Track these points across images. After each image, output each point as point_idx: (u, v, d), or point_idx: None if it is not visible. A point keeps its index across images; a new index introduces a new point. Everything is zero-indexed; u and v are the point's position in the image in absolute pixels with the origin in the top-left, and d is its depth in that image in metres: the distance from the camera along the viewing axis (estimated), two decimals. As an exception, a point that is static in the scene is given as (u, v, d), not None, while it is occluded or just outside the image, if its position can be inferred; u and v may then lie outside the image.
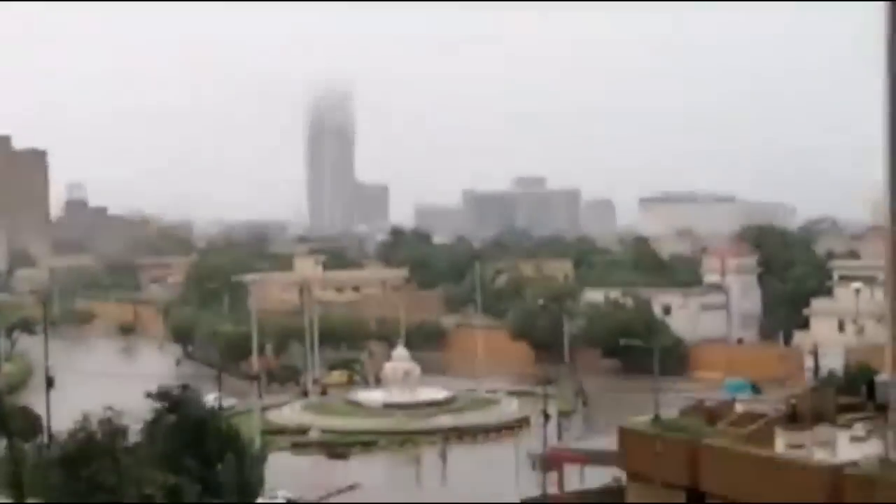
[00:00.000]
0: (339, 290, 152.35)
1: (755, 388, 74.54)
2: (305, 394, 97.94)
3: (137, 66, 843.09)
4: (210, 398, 77.46)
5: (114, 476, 45.36)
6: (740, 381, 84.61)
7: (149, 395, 52.39)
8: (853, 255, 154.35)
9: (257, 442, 64.36)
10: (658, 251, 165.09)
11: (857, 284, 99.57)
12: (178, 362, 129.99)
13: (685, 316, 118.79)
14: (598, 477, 53.98)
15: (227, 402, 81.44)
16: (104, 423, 47.71)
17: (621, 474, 47.64)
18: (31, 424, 70.28)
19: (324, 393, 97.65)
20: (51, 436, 61.93)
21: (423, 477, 68.85)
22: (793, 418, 41.67)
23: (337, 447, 72.20)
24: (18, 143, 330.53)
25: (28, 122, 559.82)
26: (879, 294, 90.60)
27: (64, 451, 46.93)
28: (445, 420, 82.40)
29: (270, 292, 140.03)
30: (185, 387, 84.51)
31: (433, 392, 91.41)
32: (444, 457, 70.64)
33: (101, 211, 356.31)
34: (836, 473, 34.87)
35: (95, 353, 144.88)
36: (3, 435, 59.27)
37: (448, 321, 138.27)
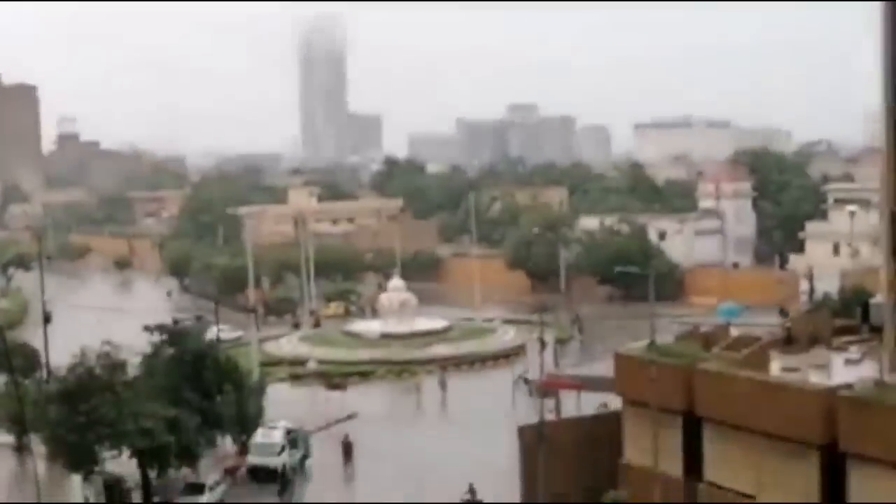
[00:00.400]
0: (334, 221, 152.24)
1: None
2: (297, 325, 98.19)
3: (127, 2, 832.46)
4: (214, 330, 78.25)
5: (113, 410, 45.72)
6: (733, 305, 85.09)
7: (147, 328, 52.54)
8: (848, 178, 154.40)
9: (255, 374, 64.78)
10: (653, 177, 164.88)
11: (851, 207, 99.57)
12: (169, 294, 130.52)
13: (680, 241, 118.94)
14: (595, 403, 54.40)
15: (234, 333, 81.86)
16: (102, 358, 48.00)
17: (612, 401, 48.07)
18: (29, 360, 70.56)
19: (317, 325, 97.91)
20: (49, 371, 62.25)
21: (423, 404, 69.43)
22: (788, 341, 41.87)
23: (335, 377, 72.58)
24: (8, 79, 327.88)
25: (17, 59, 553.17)
26: (874, 217, 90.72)
27: (63, 386, 47.25)
28: (442, 349, 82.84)
29: (265, 225, 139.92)
30: (199, 318, 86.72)
31: (430, 322, 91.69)
32: (443, 385, 71.13)
33: (94, 145, 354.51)
34: (831, 396, 35.07)
35: (92, 287, 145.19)
36: (4, 371, 59.45)
37: (444, 251, 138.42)
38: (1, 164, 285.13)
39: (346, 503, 51.23)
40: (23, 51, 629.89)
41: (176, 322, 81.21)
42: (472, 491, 46.24)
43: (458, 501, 46.07)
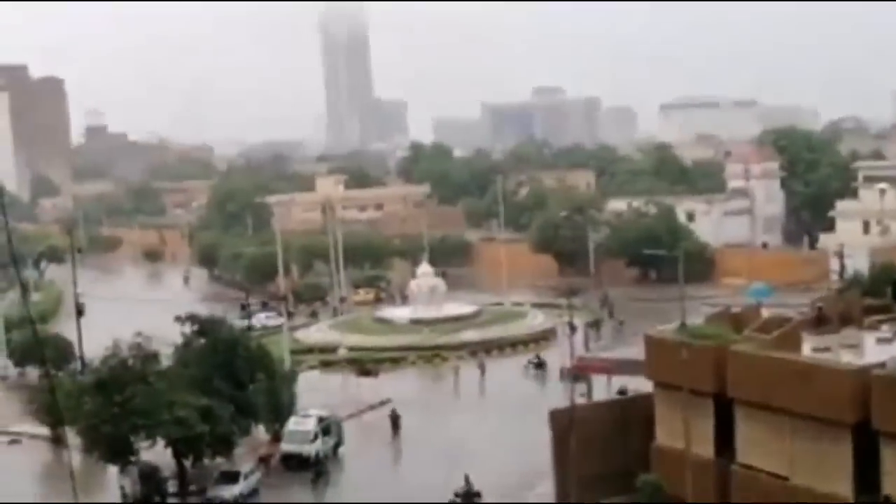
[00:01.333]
0: (361, 208, 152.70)
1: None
2: (314, 314, 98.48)
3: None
4: (262, 316, 79.13)
5: (147, 400, 46.22)
6: (762, 285, 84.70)
7: (178, 318, 52.98)
8: (878, 155, 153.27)
9: (287, 361, 65.20)
10: (680, 158, 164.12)
11: (882, 185, 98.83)
12: (186, 280, 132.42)
13: (709, 222, 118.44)
14: (627, 386, 54.43)
15: (278, 320, 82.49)
16: (135, 349, 48.50)
17: (633, 385, 47.96)
18: (63, 352, 71.40)
19: (338, 312, 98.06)
20: (83, 363, 62.94)
21: (454, 389, 69.65)
22: (819, 322, 41.75)
23: (366, 364, 72.89)
24: (37, 72, 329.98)
25: (46, 52, 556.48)
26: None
27: (98, 378, 47.79)
28: (472, 334, 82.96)
29: (293, 213, 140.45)
30: (265, 304, 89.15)
31: (459, 307, 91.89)
32: (482, 368, 71.64)
33: (121, 137, 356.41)
34: (864, 375, 34.99)
35: (123, 279, 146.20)
36: (38, 363, 60.12)
37: (471, 236, 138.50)
38: (30, 158, 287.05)
39: None
40: (49, 44, 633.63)
41: (244, 307, 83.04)
42: (467, 482, 46.20)
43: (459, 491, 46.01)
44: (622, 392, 53.01)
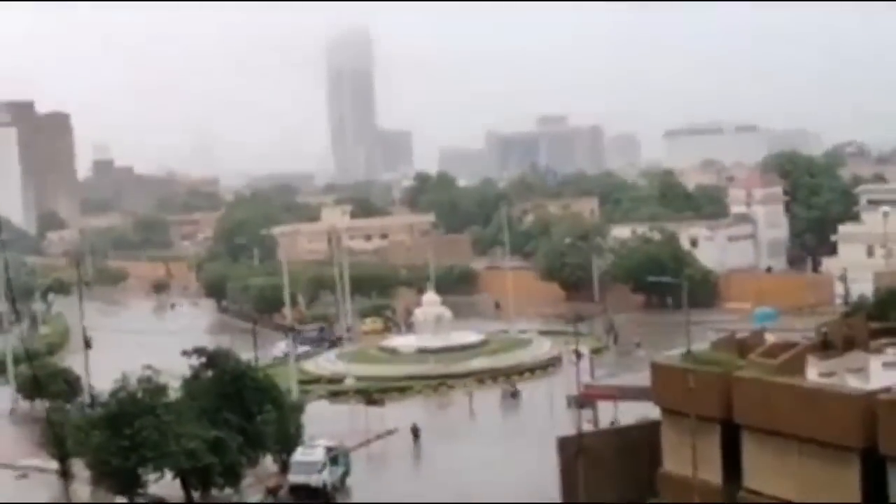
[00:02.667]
0: (368, 237, 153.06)
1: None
2: (333, 343, 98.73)
3: (156, 23, 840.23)
4: (282, 346, 79.08)
5: (156, 433, 46.33)
6: (768, 309, 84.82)
7: (185, 352, 53.21)
8: (880, 178, 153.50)
9: (294, 392, 65.31)
10: (683, 183, 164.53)
11: (885, 208, 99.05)
12: (172, 307, 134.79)
13: (713, 247, 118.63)
14: (634, 412, 54.46)
15: (302, 348, 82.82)
16: (144, 382, 48.68)
17: (646, 411, 48.05)
18: (71, 385, 71.57)
19: (335, 343, 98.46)
20: (92, 396, 63.08)
21: (459, 417, 69.60)
22: (824, 346, 41.80)
23: (373, 394, 72.93)
24: (46, 108, 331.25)
25: (52, 86, 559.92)
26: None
27: (106, 411, 47.96)
28: (479, 363, 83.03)
29: (299, 243, 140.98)
30: (322, 328, 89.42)
31: (465, 335, 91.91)
32: (514, 395, 72.91)
33: (128, 170, 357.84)
34: (870, 399, 35.06)
35: (131, 311, 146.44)
36: (47, 396, 60.23)
37: (477, 264, 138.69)
38: (38, 192, 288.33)
39: None
40: (56, 78, 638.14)
41: (322, 329, 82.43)
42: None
43: None
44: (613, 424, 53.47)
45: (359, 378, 78.09)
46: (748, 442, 39.34)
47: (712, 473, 40.39)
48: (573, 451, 44.56)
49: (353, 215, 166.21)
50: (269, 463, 55.53)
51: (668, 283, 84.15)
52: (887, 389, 35.46)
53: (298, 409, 58.60)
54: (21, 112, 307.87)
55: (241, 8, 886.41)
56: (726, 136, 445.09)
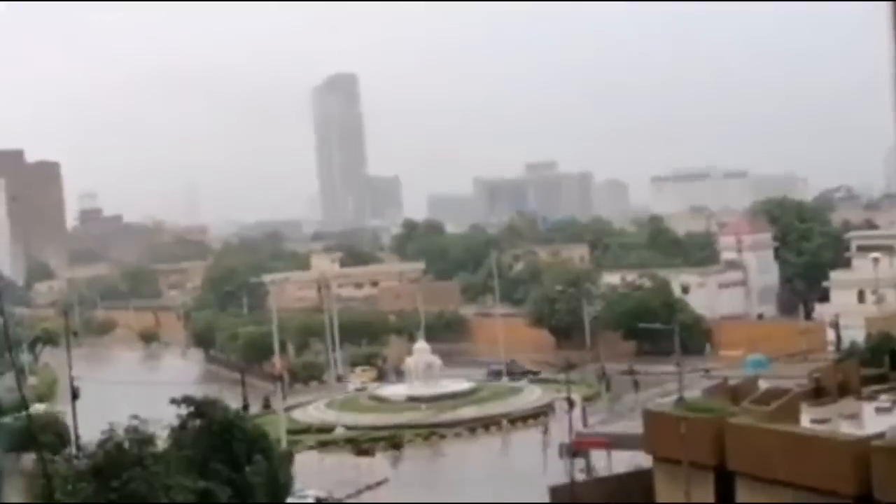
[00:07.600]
0: (357, 285, 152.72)
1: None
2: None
3: (140, 75, 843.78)
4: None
5: (144, 484, 45.64)
6: (760, 356, 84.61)
7: (173, 401, 52.64)
8: (869, 224, 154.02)
9: (283, 442, 64.73)
10: (673, 229, 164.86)
11: (875, 254, 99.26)
12: (147, 356, 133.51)
13: (704, 294, 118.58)
14: (626, 460, 54.05)
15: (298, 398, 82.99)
16: (131, 432, 48.06)
17: (645, 459, 47.73)
18: (59, 437, 70.80)
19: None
20: (79, 447, 62.31)
21: (451, 466, 69.05)
22: (817, 392, 41.69)
23: (363, 443, 72.37)
24: (31, 157, 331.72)
25: (36, 135, 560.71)
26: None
27: (93, 463, 47.23)
28: (470, 411, 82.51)
29: (288, 291, 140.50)
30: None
31: (456, 383, 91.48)
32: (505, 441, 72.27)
33: (117, 219, 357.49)
34: (864, 446, 34.87)
35: (119, 361, 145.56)
36: (33, 448, 59.41)
37: (467, 311, 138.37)
38: (26, 242, 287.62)
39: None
40: (44, 128, 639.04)
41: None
42: None
43: None
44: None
45: (349, 427, 77.48)
46: (742, 489, 39.05)
47: (707, 522, 40.04)
48: (565, 501, 44.14)
49: (343, 263, 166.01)
50: (258, 514, 54.77)
51: (659, 330, 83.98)
52: (880, 435, 35.25)
53: (288, 458, 58.02)
54: (9, 161, 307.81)
55: (228, 54, 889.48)
56: (715, 182, 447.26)
